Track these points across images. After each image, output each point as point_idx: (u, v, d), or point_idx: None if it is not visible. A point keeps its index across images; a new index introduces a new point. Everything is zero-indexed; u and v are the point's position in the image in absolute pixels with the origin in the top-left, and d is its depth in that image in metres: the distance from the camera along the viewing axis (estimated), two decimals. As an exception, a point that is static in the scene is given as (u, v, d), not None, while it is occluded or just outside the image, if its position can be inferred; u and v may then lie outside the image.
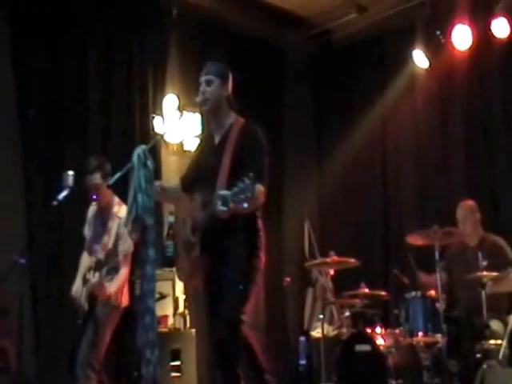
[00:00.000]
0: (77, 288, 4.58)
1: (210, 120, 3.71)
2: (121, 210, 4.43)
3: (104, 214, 4.61)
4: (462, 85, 6.27)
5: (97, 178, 4.46)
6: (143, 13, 6.00)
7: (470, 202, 5.35)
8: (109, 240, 4.51)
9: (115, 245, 4.52)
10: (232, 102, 3.68)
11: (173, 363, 5.22)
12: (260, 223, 3.47)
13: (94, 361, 4.39)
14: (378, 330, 5.20)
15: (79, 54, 5.59)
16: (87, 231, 4.73)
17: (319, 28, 7.02)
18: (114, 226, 4.51)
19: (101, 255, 4.53)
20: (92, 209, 4.71)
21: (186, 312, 5.72)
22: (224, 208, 2.98)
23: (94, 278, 4.46)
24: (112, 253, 4.52)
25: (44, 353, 5.06)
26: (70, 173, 4.09)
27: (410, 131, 6.73)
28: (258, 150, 3.41)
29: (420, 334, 4.86)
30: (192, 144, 6.22)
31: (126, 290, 4.64)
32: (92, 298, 4.50)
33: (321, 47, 7.29)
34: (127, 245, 4.46)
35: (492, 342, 4.54)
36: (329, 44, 7.26)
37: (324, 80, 7.42)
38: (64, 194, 4.03)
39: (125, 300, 4.62)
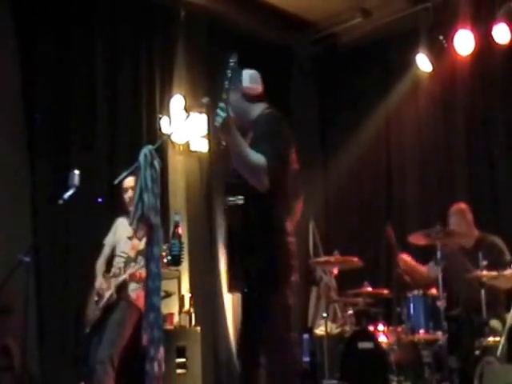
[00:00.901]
0: (100, 281, 4.60)
1: None
2: None
3: None
4: (464, 88, 6.23)
5: None
6: (151, 14, 5.98)
7: (462, 205, 5.34)
8: (139, 243, 4.52)
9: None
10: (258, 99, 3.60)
11: (178, 360, 5.21)
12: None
13: (115, 358, 4.39)
14: (381, 327, 5.21)
15: (87, 55, 5.55)
16: (109, 240, 4.76)
17: (325, 31, 7.00)
18: None
19: (131, 253, 4.58)
20: (121, 221, 4.75)
21: (192, 310, 5.73)
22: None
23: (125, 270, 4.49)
24: (141, 255, 4.50)
25: (48, 352, 5.01)
26: (76, 172, 4.05)
27: (413, 133, 6.71)
28: (267, 133, 3.22)
29: (421, 331, 4.85)
30: (198, 144, 6.22)
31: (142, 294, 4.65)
32: (114, 300, 4.52)
33: (327, 50, 7.26)
34: None
35: (491, 339, 4.55)
36: (335, 47, 7.23)
37: (330, 82, 7.39)
38: (70, 193, 4.01)
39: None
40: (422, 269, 5.34)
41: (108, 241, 4.78)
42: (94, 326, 4.55)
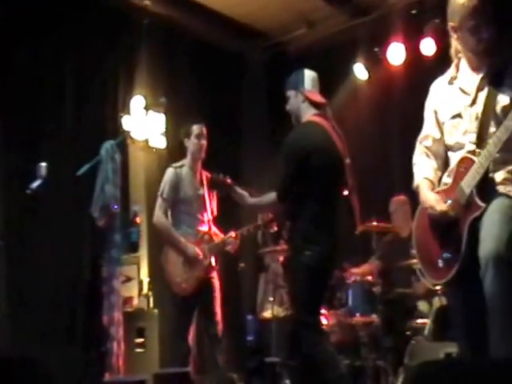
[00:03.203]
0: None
1: None
2: None
3: None
4: (397, 94, 6.33)
5: None
6: (116, 21, 5.90)
7: (401, 197, 5.42)
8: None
9: None
10: (314, 101, 3.59)
11: (137, 340, 5.18)
12: None
13: None
14: (322, 311, 5.22)
15: (56, 56, 5.46)
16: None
17: (274, 40, 7.02)
18: None
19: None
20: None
21: (150, 293, 5.69)
22: None
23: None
24: None
25: (19, 334, 4.90)
26: (43, 164, 4.00)
27: (353, 133, 6.74)
28: (282, 156, 3.44)
29: (359, 314, 4.93)
30: (157, 141, 6.18)
31: None
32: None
33: (276, 57, 7.27)
34: None
35: (419, 321, 4.67)
36: (283, 55, 7.25)
37: (279, 88, 7.39)
38: (37, 183, 3.95)
39: None
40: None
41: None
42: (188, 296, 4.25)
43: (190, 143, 4.42)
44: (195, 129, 4.40)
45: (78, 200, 5.05)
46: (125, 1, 5.89)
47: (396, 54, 6.08)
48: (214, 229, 4.45)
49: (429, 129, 2.95)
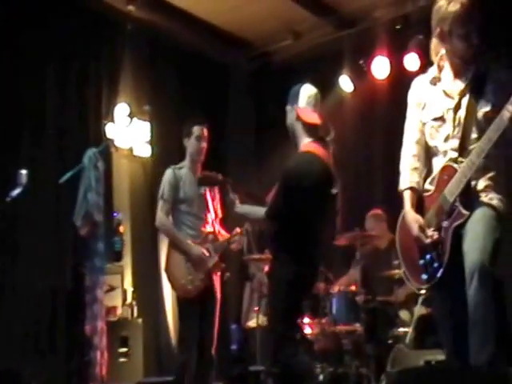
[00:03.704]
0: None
1: None
2: None
3: None
4: (381, 107, 6.34)
5: None
6: (100, 27, 5.87)
7: (378, 211, 5.49)
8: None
9: None
10: (305, 122, 3.43)
11: (121, 349, 5.14)
12: None
13: None
14: (306, 320, 5.23)
15: (39, 63, 5.41)
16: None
17: (260, 50, 7.03)
18: None
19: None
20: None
21: (134, 303, 5.66)
22: None
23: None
24: None
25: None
26: (24, 172, 3.95)
27: (337, 144, 6.78)
28: (280, 181, 3.40)
29: (342, 323, 4.99)
30: (141, 149, 6.16)
31: None
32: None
33: (262, 67, 7.29)
34: None
35: (401, 329, 4.75)
36: (269, 65, 7.27)
37: (265, 98, 7.42)
38: (17, 190, 3.91)
39: None
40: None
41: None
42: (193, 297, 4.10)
43: (190, 144, 4.30)
44: (196, 130, 4.28)
45: (60, 208, 5.01)
46: (108, 6, 5.84)
47: (380, 67, 6.11)
48: (219, 228, 4.33)
49: (412, 131, 2.96)
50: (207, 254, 4.15)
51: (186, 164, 4.33)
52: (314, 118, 3.43)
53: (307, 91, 3.49)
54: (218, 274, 4.29)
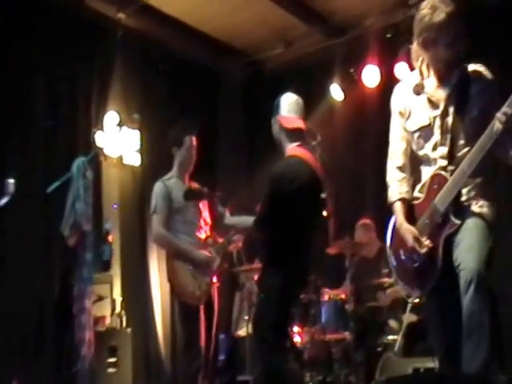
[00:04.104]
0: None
1: None
2: None
3: None
4: (371, 115, 6.34)
5: None
6: (90, 33, 5.84)
7: (367, 221, 5.51)
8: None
9: None
10: (287, 128, 3.43)
11: (110, 359, 5.09)
12: None
13: None
14: (296, 329, 5.23)
15: (28, 70, 5.36)
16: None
17: (251, 58, 7.06)
18: None
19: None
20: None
21: (123, 313, 5.60)
22: None
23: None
24: None
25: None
26: (11, 181, 3.92)
27: (328, 153, 6.79)
28: (266, 187, 3.40)
29: (331, 331, 5.02)
30: (131, 158, 6.13)
31: None
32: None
33: (253, 75, 7.31)
34: None
35: (390, 337, 4.80)
36: (261, 72, 7.30)
37: (256, 105, 7.42)
38: (4, 200, 3.87)
39: None
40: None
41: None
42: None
43: (180, 154, 4.25)
44: (186, 140, 4.24)
45: (48, 218, 4.97)
46: (99, 14, 5.83)
47: (371, 76, 6.14)
48: (214, 233, 4.27)
49: (395, 141, 2.96)
50: (210, 255, 4.12)
51: (175, 173, 4.29)
52: (296, 123, 3.47)
53: (287, 99, 3.52)
54: (220, 277, 4.27)
